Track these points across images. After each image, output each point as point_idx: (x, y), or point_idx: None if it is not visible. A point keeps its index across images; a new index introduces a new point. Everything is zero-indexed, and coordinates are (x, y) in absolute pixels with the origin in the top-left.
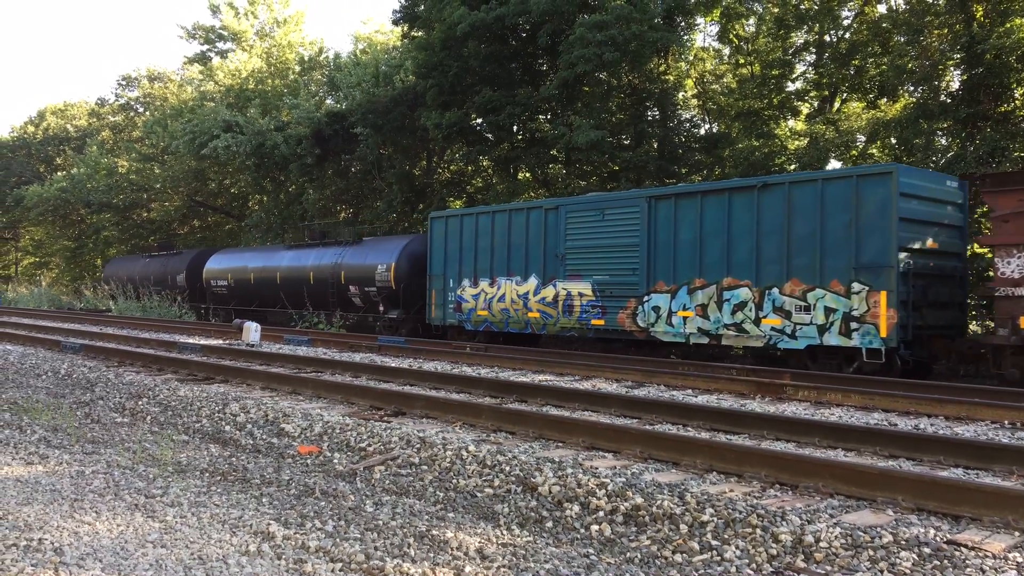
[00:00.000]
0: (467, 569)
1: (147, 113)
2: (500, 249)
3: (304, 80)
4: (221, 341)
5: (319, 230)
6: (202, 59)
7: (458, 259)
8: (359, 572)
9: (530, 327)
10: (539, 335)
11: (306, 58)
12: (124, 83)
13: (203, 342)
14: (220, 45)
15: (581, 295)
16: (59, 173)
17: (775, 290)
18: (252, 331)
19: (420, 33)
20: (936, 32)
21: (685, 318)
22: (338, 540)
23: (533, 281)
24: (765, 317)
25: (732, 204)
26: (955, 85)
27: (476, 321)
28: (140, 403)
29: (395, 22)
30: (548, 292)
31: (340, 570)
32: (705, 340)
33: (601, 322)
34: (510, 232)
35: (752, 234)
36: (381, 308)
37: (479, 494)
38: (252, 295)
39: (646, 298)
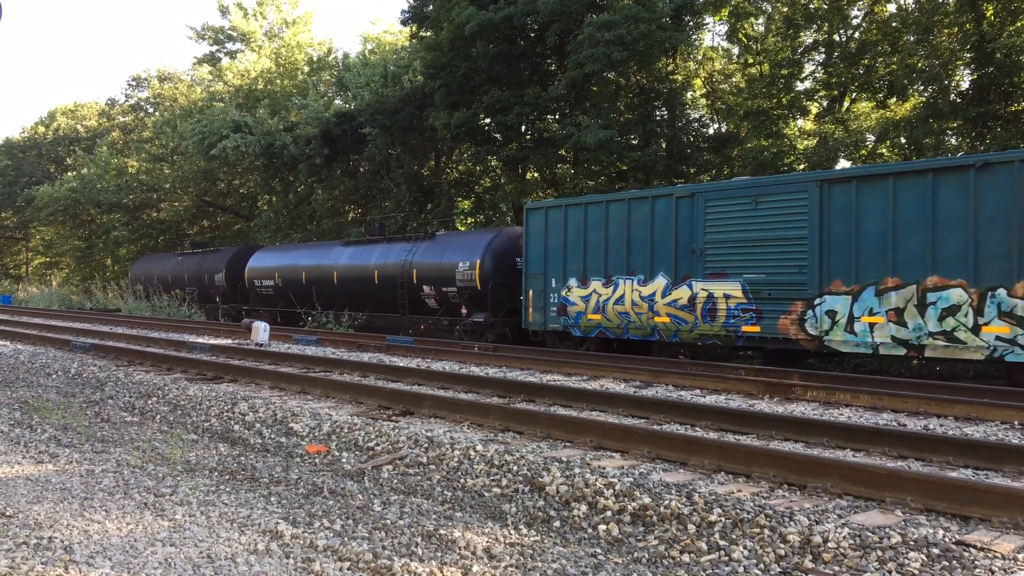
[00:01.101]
0: (475, 568)
1: (157, 113)
2: (617, 244)
3: (313, 80)
4: (230, 341)
5: (378, 223)
6: (211, 60)
7: (562, 256)
8: (367, 571)
9: (657, 333)
10: (669, 343)
11: (315, 58)
12: (134, 83)
13: (212, 342)
14: (229, 46)
15: (727, 297)
16: (69, 173)
17: (1001, 291)
18: (261, 331)
19: (428, 33)
20: (946, 31)
21: (872, 324)
22: (346, 539)
23: (661, 281)
24: (987, 324)
25: (937, 188)
26: (965, 84)
27: (586, 326)
28: (149, 402)
29: (403, 22)
30: (681, 293)
31: (348, 569)
32: (901, 351)
33: (755, 328)
34: (629, 224)
35: (967, 224)
36: (464, 311)
37: (487, 494)
38: (303, 296)
39: (817, 301)
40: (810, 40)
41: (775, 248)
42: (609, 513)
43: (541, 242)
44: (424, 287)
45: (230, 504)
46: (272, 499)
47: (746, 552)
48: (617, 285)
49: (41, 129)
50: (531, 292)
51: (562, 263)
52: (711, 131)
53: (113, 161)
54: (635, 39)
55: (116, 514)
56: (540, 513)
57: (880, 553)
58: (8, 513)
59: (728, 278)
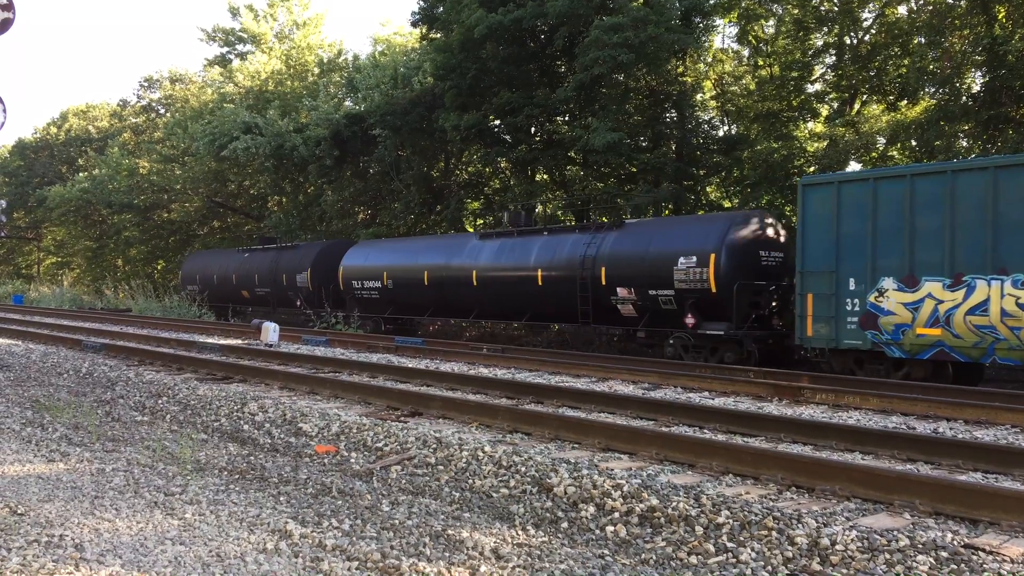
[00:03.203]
0: (482, 569)
1: (168, 115)
2: (970, 231)
3: (323, 82)
4: (240, 341)
5: (521, 211)
6: (222, 61)
7: (868, 247)
8: (375, 571)
9: None
10: None
11: (325, 60)
12: (146, 85)
13: (222, 342)
14: (240, 47)
15: None
16: (81, 174)
17: None
18: (271, 331)
19: (438, 35)
20: (957, 33)
21: None
22: (355, 539)
23: None
24: None
25: None
26: (976, 87)
27: (913, 345)
28: (160, 402)
29: (414, 24)
30: None
31: (356, 568)
32: None
33: None
34: (996, 203)
35: None
36: (689, 320)
37: (495, 494)
38: (423, 300)
39: None
40: (820, 42)
41: None
42: (617, 514)
43: (829, 229)
44: (618, 290)
45: (240, 503)
46: (281, 499)
47: (754, 554)
48: (974, 288)
49: (53, 130)
50: (810, 297)
51: (868, 257)
52: (721, 133)
53: (124, 162)
54: (643, 42)
55: (126, 513)
56: (548, 514)
57: (888, 556)
58: (20, 511)
59: None
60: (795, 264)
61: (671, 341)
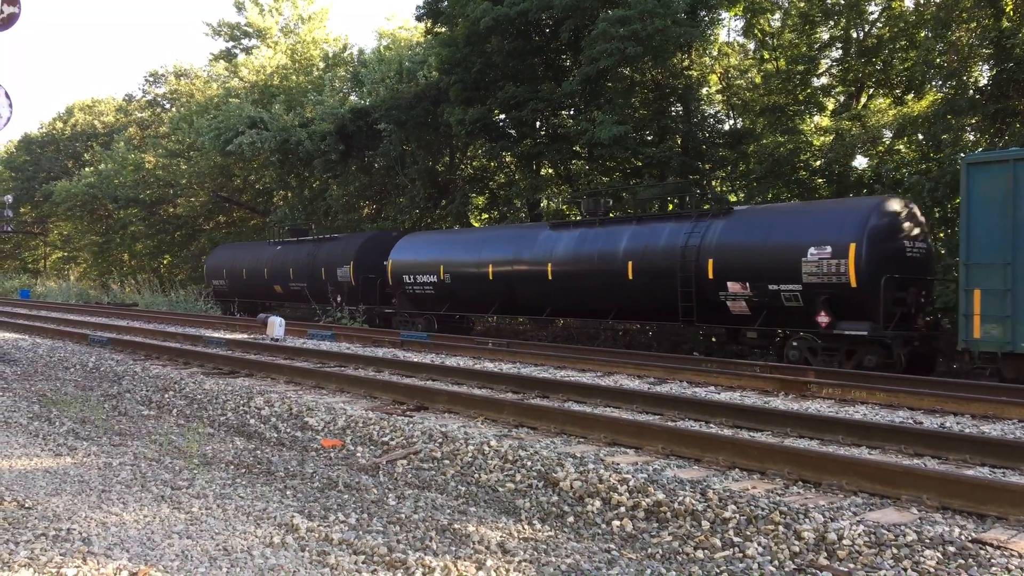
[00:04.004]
0: (488, 563)
1: (173, 109)
2: None
3: (328, 77)
4: (246, 335)
5: (602, 197)
6: (227, 56)
7: None
8: (381, 564)
9: None
10: None
11: (330, 54)
12: (151, 79)
13: (228, 336)
14: (245, 42)
15: None
16: (87, 169)
17: None
18: (276, 326)
19: (443, 29)
20: (964, 27)
21: None
22: (361, 533)
23: None
24: None
25: None
26: (984, 80)
27: None
28: (166, 396)
29: (418, 18)
30: None
31: (363, 562)
32: None
33: None
34: None
35: None
36: (823, 319)
37: (501, 489)
38: (487, 297)
39: None
40: (827, 36)
41: None
42: (623, 509)
43: (1002, 214)
44: (729, 284)
45: (246, 497)
46: (288, 492)
47: (760, 549)
48: None
49: (59, 124)
50: (978, 293)
51: None
52: (727, 127)
53: (130, 157)
54: (650, 34)
55: (133, 506)
56: (554, 508)
57: (895, 551)
58: (27, 505)
59: None
60: (960, 255)
61: (794, 343)
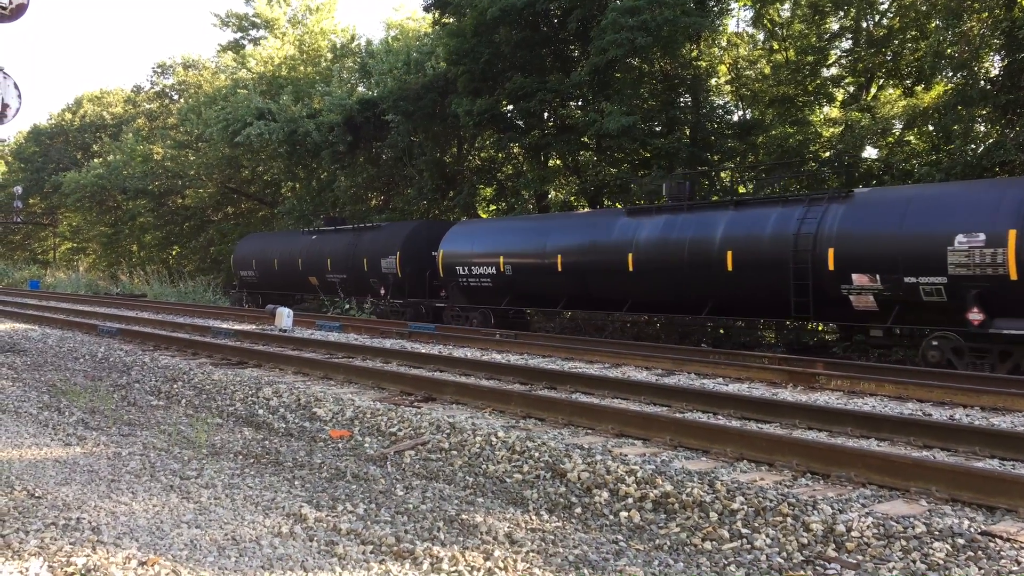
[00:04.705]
0: (496, 553)
1: (181, 100)
2: None
3: (336, 67)
4: (254, 326)
5: (686, 180)
6: (235, 47)
7: None
8: (390, 555)
9: None
10: None
11: (338, 45)
12: (159, 70)
13: (236, 327)
14: (253, 33)
15: None
16: (96, 160)
17: None
18: (285, 316)
19: (451, 19)
20: (976, 16)
21: None
22: (369, 523)
23: None
24: None
25: None
26: (995, 71)
27: None
28: (175, 386)
29: (426, 8)
30: None
31: (371, 552)
32: None
33: None
34: None
35: None
36: (975, 316)
37: (508, 480)
38: (555, 290)
39: None
40: (836, 26)
41: None
42: (631, 500)
43: None
44: (854, 276)
45: (255, 487)
46: (296, 483)
47: (769, 540)
48: None
49: (68, 116)
50: None
51: None
52: (735, 118)
53: (138, 148)
54: (659, 25)
55: (143, 496)
56: (561, 499)
57: (904, 543)
58: (37, 494)
59: None
60: None
61: (934, 343)
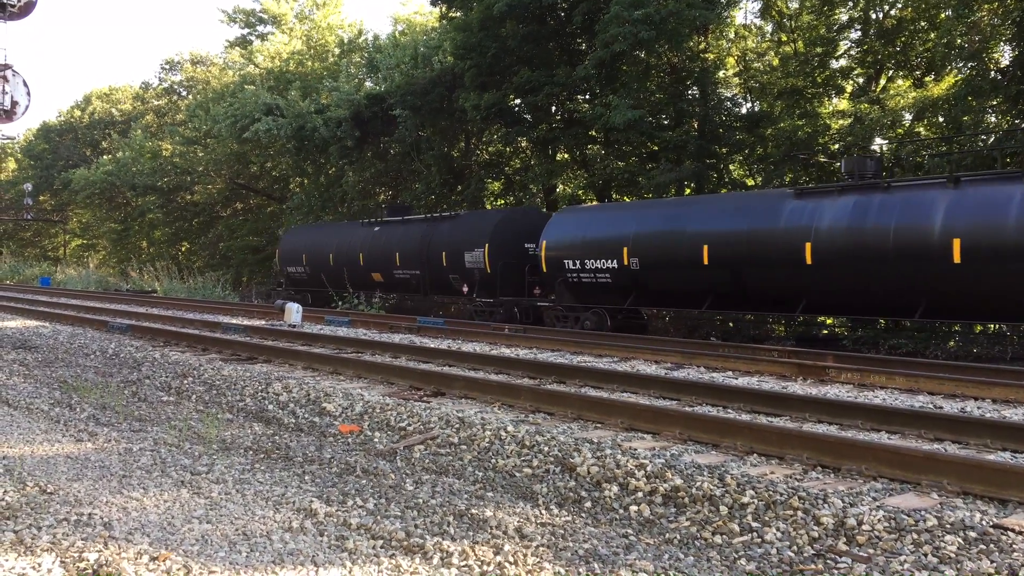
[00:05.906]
0: (506, 547)
1: (190, 97)
2: None
3: (344, 63)
4: (264, 322)
5: (868, 156)
6: (243, 43)
7: None
8: (400, 549)
9: None
10: None
11: (345, 40)
12: (167, 67)
13: (246, 323)
14: (260, 28)
15: None
16: (105, 156)
17: None
18: (294, 312)
19: (458, 14)
20: (986, 6)
21: None
22: (379, 518)
23: None
24: None
25: None
26: (1006, 61)
27: None
28: (185, 382)
29: (433, 3)
30: None
31: (381, 547)
32: None
33: None
34: None
35: None
36: None
37: (518, 474)
38: (698, 287)
39: None
40: (845, 17)
41: None
42: (640, 494)
43: None
44: None
45: (265, 482)
46: (306, 478)
47: (779, 534)
48: None
49: (77, 113)
50: None
51: None
52: (744, 110)
53: (147, 144)
54: (663, 18)
55: (154, 491)
56: (571, 494)
57: (915, 536)
58: (49, 490)
59: None
60: None
61: None
